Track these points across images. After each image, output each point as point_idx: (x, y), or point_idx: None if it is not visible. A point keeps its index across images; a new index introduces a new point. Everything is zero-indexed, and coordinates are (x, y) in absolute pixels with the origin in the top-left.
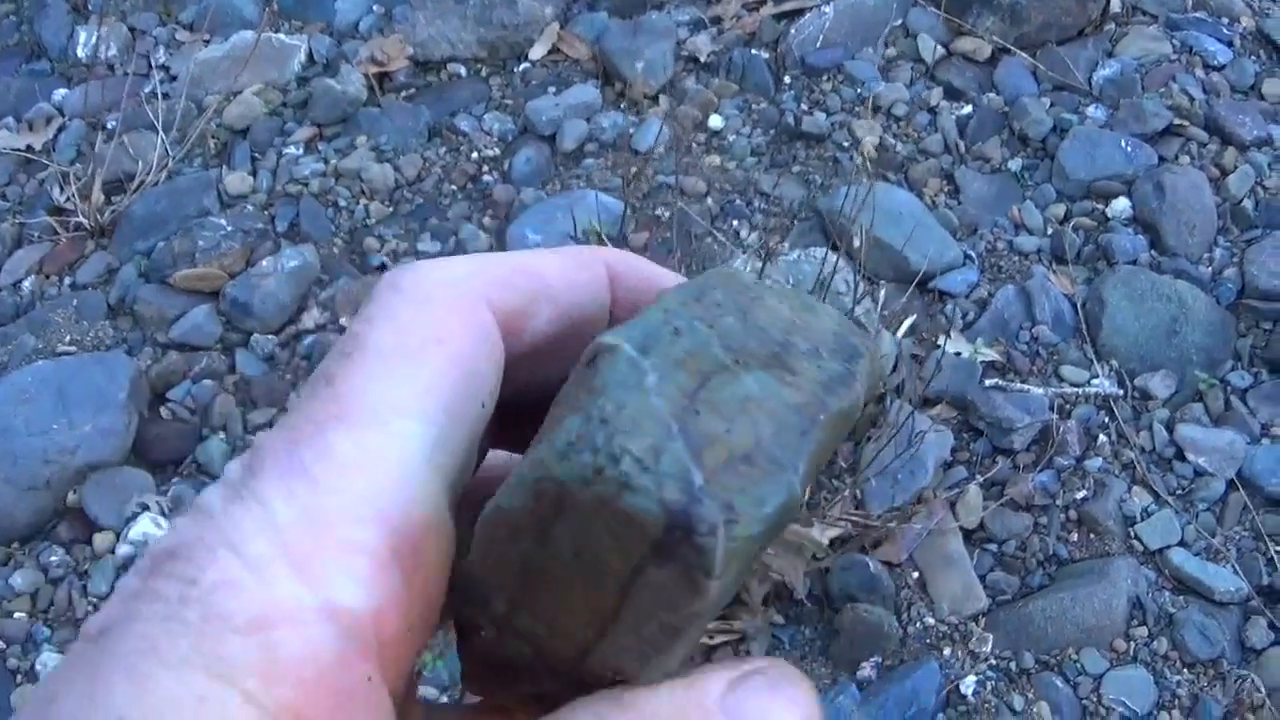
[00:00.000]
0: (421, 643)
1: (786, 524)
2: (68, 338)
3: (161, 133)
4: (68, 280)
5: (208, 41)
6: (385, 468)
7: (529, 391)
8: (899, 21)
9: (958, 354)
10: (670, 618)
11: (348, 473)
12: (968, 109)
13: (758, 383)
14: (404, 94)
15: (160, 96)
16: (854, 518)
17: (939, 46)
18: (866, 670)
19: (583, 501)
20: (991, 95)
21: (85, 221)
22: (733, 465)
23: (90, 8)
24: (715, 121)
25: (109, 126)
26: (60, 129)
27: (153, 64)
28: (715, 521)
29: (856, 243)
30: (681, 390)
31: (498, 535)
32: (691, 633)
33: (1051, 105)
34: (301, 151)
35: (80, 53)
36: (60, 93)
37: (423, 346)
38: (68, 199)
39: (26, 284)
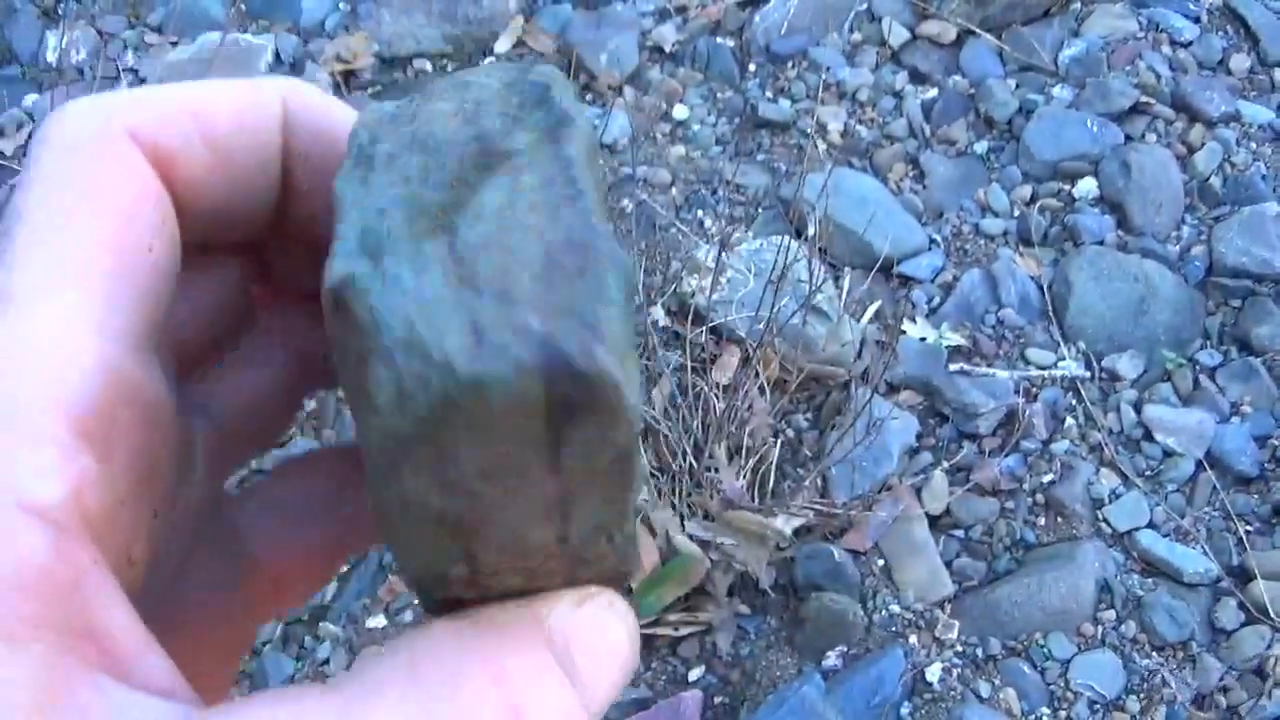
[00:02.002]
0: (148, 503)
1: (635, 288)
2: None
3: None
4: None
5: (175, 44)
6: (51, 349)
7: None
8: (864, 6)
9: (922, 339)
10: (611, 464)
11: (14, 363)
12: (933, 93)
13: (493, 190)
14: (370, 91)
15: None
16: (818, 506)
17: (904, 30)
18: (832, 659)
19: (450, 430)
20: (957, 78)
21: None
22: (546, 281)
23: (60, 12)
24: (680, 111)
25: None
26: (31, 134)
27: (121, 67)
28: (586, 345)
29: (815, 229)
30: (439, 261)
31: (401, 525)
32: (636, 474)
33: (1017, 86)
34: None
35: (50, 57)
36: (31, 98)
37: (73, 205)
38: None
39: None
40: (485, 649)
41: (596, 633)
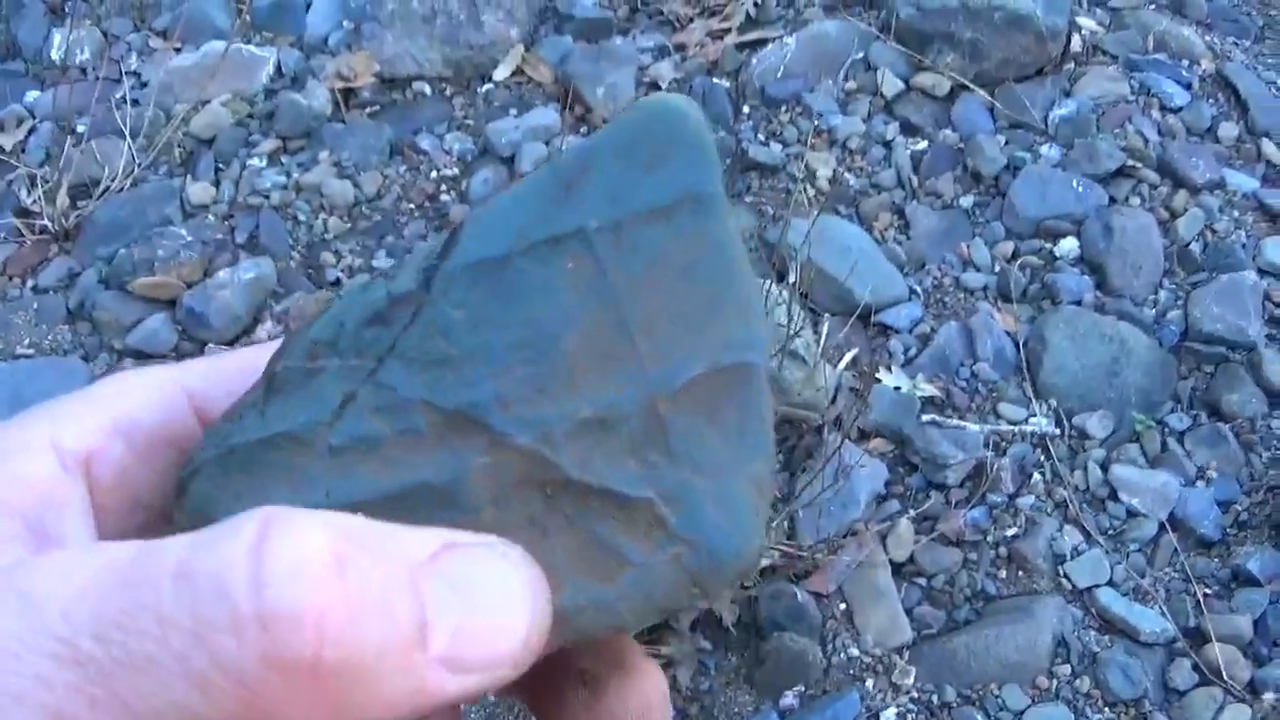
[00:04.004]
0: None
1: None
2: (26, 340)
3: (129, 139)
4: (30, 283)
5: (179, 49)
6: (144, 384)
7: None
8: (860, 55)
9: (897, 388)
10: None
11: (115, 382)
12: (923, 144)
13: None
14: (368, 110)
15: (130, 103)
16: (784, 547)
17: (898, 81)
18: (789, 699)
19: None
20: (947, 131)
21: (50, 225)
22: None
23: (67, 10)
24: None
25: (78, 130)
26: (31, 131)
27: (124, 70)
28: None
29: (797, 274)
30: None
31: None
32: None
33: (1006, 143)
34: (265, 164)
35: (54, 55)
36: (33, 94)
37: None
38: (34, 201)
39: None
40: (279, 512)
41: (481, 569)
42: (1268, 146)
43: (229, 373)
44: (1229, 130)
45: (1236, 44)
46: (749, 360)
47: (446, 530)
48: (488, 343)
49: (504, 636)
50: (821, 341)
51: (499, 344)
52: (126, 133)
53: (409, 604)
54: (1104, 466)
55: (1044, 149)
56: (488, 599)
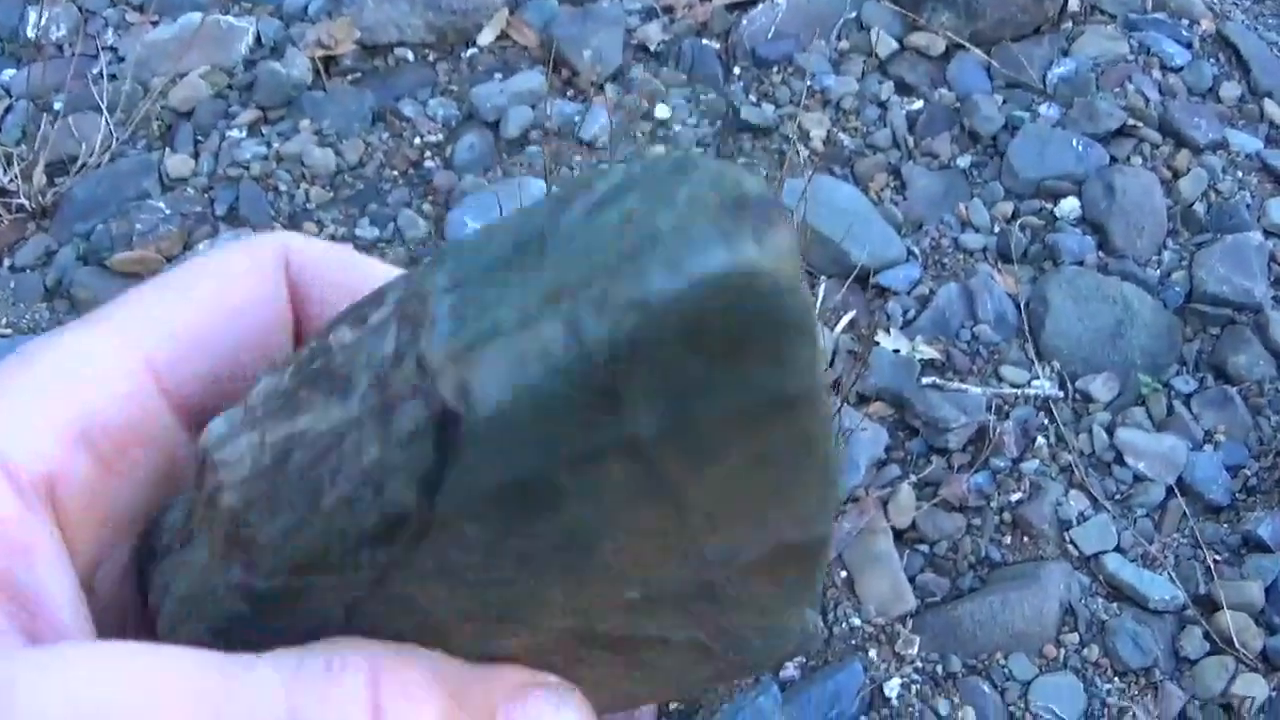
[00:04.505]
0: (129, 539)
1: None
2: (3, 320)
3: (106, 114)
4: (7, 262)
5: (156, 23)
6: (93, 363)
7: None
8: (853, 14)
9: (896, 351)
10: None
11: (60, 362)
12: (918, 104)
13: None
14: (350, 78)
15: (106, 78)
16: None
17: (892, 41)
18: (790, 670)
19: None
20: (943, 91)
21: (27, 203)
22: None
23: None
24: (662, 111)
25: (55, 108)
26: (7, 109)
27: (100, 45)
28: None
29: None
30: None
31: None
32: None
33: (1004, 103)
34: (244, 135)
35: (30, 33)
36: (9, 73)
37: (194, 283)
38: (11, 180)
39: None
40: (383, 657)
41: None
42: (1270, 107)
43: (196, 332)
44: (1231, 90)
45: (1236, 4)
46: (818, 534)
47: (523, 671)
48: (516, 552)
49: None
50: (818, 304)
51: (530, 552)
52: (104, 108)
53: None
54: (1109, 430)
55: (1042, 108)
56: None
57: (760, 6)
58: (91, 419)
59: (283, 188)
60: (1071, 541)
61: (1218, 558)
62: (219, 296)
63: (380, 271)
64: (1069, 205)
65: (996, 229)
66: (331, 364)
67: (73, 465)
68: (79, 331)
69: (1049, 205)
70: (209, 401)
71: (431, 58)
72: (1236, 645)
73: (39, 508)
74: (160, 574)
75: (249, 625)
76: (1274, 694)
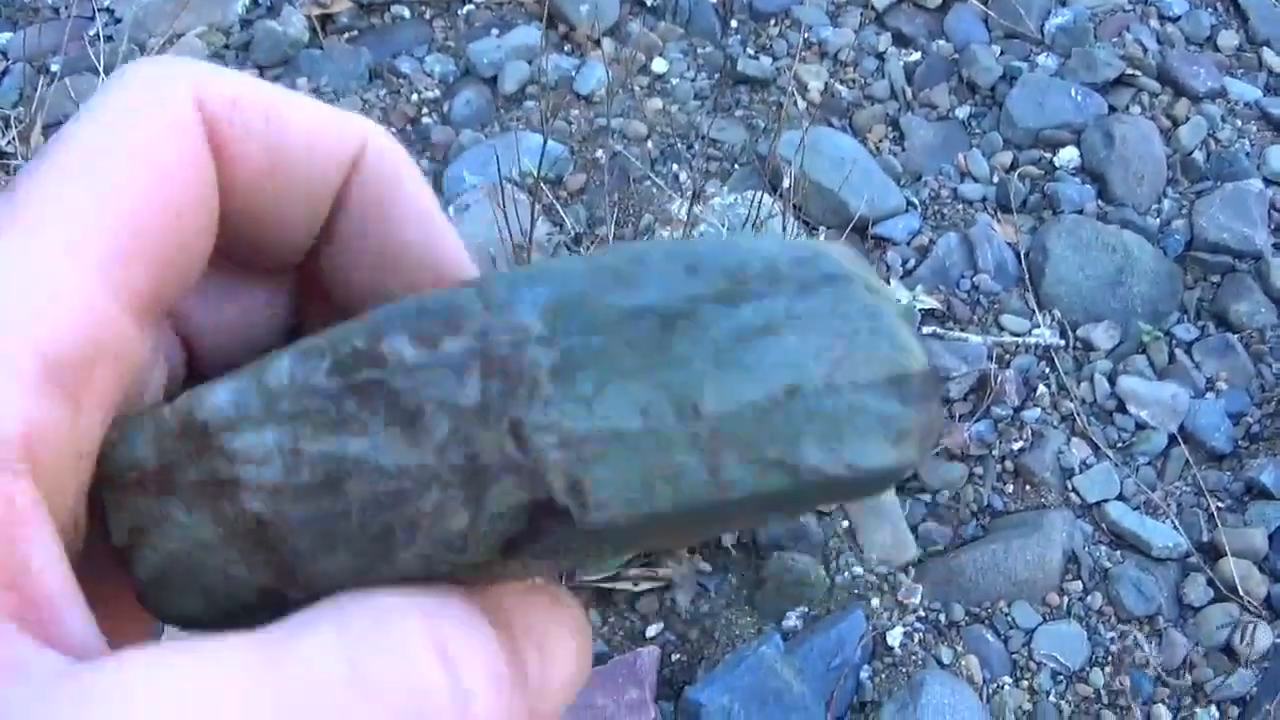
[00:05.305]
0: (89, 465)
1: None
2: None
3: (103, 75)
4: None
5: None
6: (42, 279)
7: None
8: None
9: (897, 300)
10: None
11: (14, 294)
12: (916, 56)
13: None
14: (346, 36)
15: (103, 39)
16: None
17: None
18: (792, 620)
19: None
20: (941, 42)
21: (24, 165)
22: None
23: None
24: (659, 65)
25: (52, 69)
26: (3, 72)
27: (96, 7)
28: None
29: (790, 185)
30: None
31: None
32: None
33: (1002, 53)
34: None
35: None
36: (4, 36)
37: (112, 146)
38: (9, 143)
39: None
40: (422, 601)
41: (547, 618)
42: (1269, 55)
43: (135, 223)
44: (1229, 39)
45: None
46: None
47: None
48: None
49: (564, 697)
50: None
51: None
52: (101, 69)
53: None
54: (1111, 379)
55: (1040, 58)
56: (556, 657)
57: None
58: (57, 351)
59: None
60: (1074, 489)
61: (1220, 505)
62: (149, 175)
63: (306, 119)
64: (1068, 155)
65: (995, 179)
66: (391, 384)
67: (46, 411)
68: (17, 246)
69: (1048, 155)
70: (157, 292)
71: (428, 14)
72: (1240, 592)
73: (17, 476)
74: (126, 512)
75: (264, 611)
76: (1278, 640)
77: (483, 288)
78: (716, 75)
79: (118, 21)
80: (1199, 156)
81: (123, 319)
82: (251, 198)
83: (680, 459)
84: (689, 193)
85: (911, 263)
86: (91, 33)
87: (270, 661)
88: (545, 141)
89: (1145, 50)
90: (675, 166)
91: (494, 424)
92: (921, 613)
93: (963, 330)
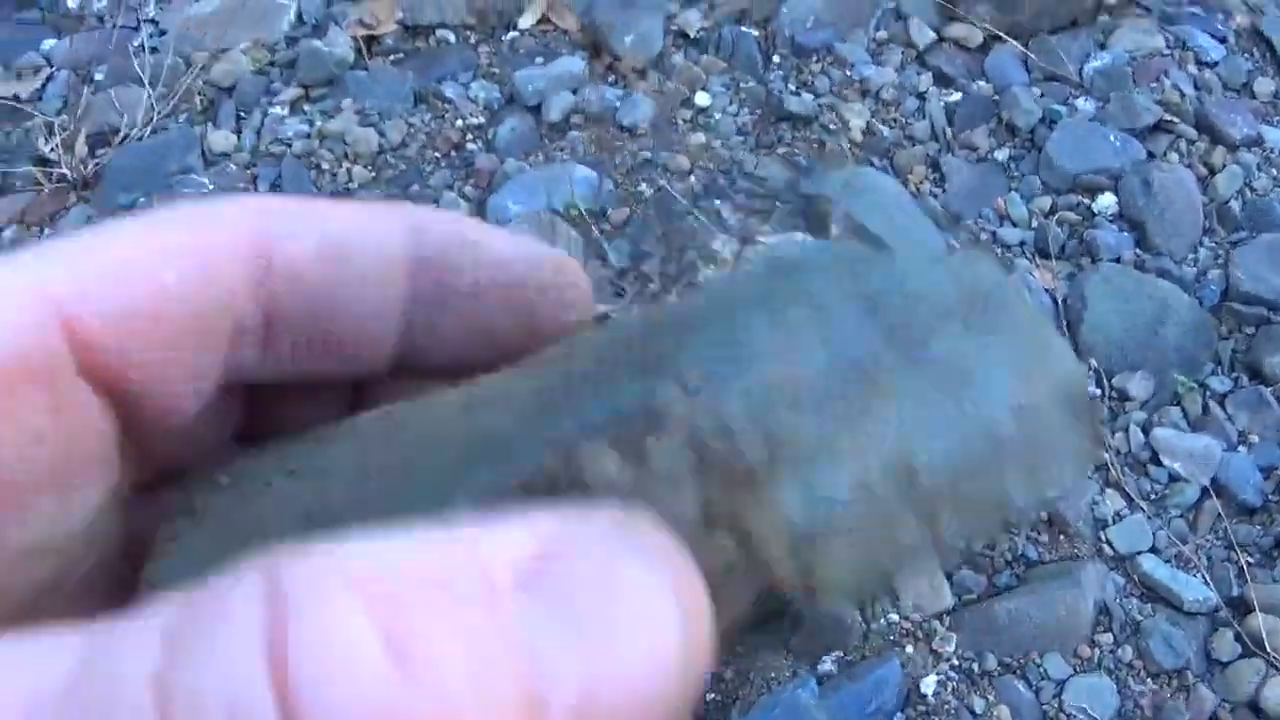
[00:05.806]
0: (30, 493)
1: None
2: None
3: (148, 87)
4: (48, 231)
5: None
6: None
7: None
8: (891, 4)
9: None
10: None
11: None
12: (957, 96)
13: None
14: (391, 58)
15: (148, 50)
16: None
17: (930, 32)
18: (827, 664)
19: None
20: (981, 83)
21: (68, 173)
22: None
23: None
24: (702, 99)
25: (96, 78)
26: (48, 79)
27: (141, 18)
28: None
29: (835, 228)
30: None
31: None
32: None
33: (1041, 95)
34: (287, 112)
35: (71, 3)
36: (49, 43)
37: (128, 232)
38: (52, 149)
39: (7, 233)
40: (285, 563)
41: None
42: None
43: (109, 277)
44: (1265, 86)
45: None
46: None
47: (542, 519)
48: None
49: (648, 676)
50: None
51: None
52: (145, 81)
53: (508, 674)
54: (1145, 429)
55: (1079, 102)
56: (615, 627)
57: None
58: None
59: (325, 166)
60: (1107, 541)
61: (1250, 559)
62: (147, 238)
63: (350, 215)
64: (1106, 201)
65: (1034, 223)
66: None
67: None
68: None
69: (1086, 200)
70: (122, 342)
71: (473, 40)
72: (1268, 648)
73: None
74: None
75: None
76: None
77: (678, 370)
78: (759, 110)
79: (163, 34)
80: (1235, 205)
81: (63, 348)
82: (308, 296)
83: (903, 531)
84: (733, 231)
85: None
86: (136, 43)
87: (86, 653)
88: (601, 180)
89: (1183, 96)
90: (718, 202)
91: (718, 533)
92: (955, 661)
93: None
